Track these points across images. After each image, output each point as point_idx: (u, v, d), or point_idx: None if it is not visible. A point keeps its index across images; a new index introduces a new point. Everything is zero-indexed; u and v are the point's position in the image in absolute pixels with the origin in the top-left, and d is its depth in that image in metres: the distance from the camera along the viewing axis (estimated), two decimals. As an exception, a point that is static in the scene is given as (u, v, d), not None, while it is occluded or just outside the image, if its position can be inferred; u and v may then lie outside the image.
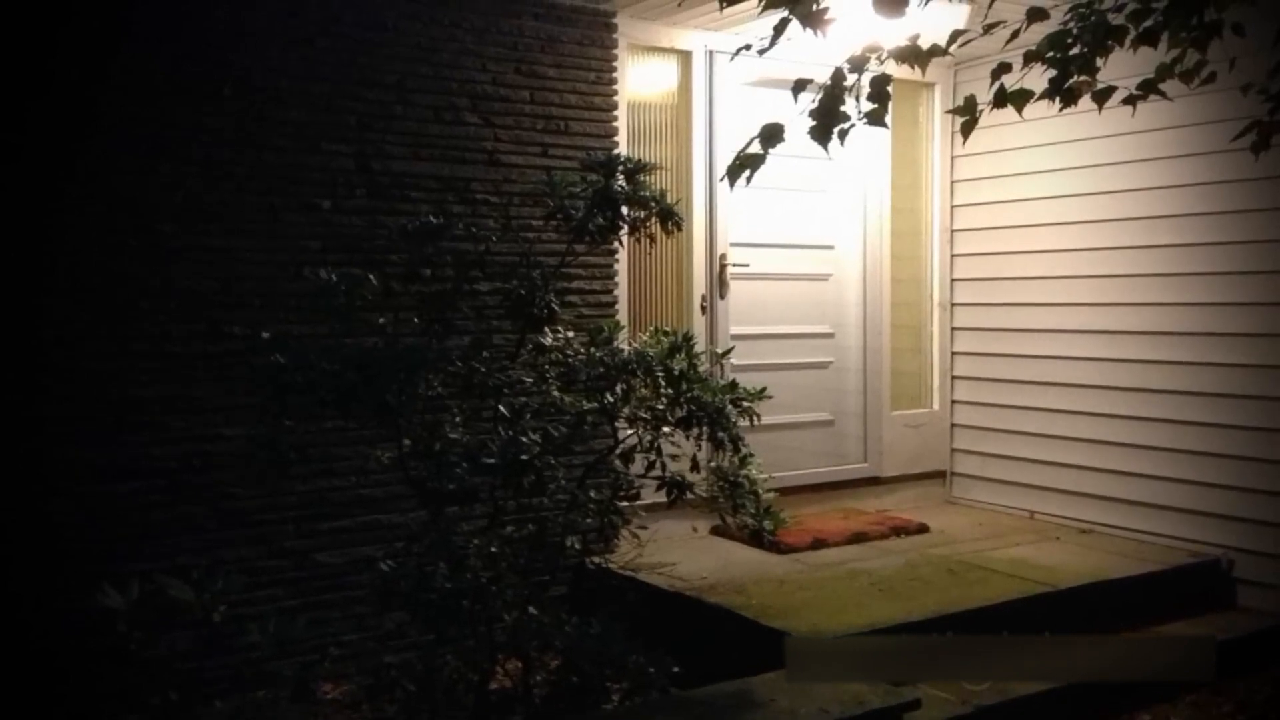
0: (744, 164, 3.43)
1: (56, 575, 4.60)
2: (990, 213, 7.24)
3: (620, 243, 4.68)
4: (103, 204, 4.77)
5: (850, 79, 3.42)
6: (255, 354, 4.08)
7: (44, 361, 4.67)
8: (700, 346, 4.57)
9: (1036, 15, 3.63)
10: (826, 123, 3.38)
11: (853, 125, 3.41)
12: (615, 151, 5.47)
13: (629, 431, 4.37)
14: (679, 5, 5.78)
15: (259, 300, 5.08)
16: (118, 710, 3.73)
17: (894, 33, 3.50)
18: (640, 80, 6.47)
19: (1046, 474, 6.85)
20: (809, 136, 3.39)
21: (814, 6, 3.25)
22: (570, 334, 4.39)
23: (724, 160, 5.74)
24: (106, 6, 4.76)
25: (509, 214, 5.67)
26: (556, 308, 4.21)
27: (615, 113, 6.12)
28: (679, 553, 5.95)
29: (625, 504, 4.35)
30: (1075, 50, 3.57)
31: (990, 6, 3.83)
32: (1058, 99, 3.63)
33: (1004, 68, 3.67)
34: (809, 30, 3.25)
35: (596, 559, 5.06)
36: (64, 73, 4.68)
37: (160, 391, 4.88)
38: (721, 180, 3.66)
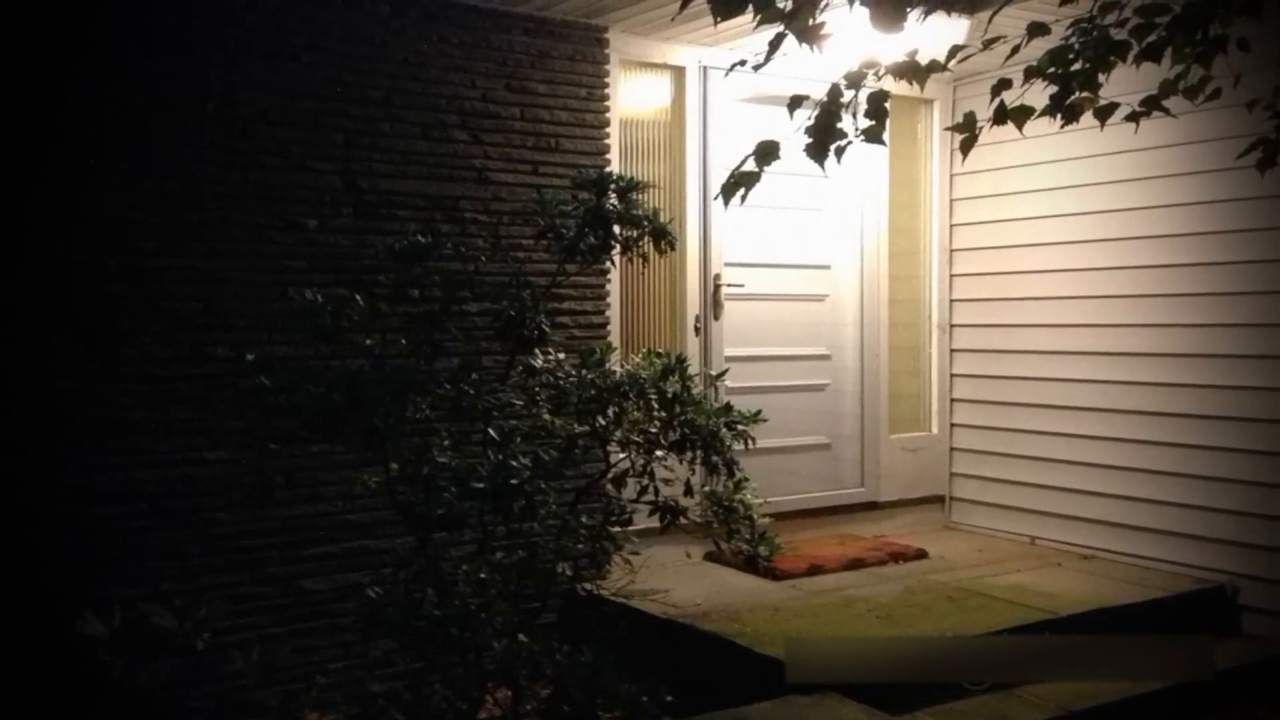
0: (739, 182, 3.37)
1: (38, 600, 4.53)
2: (990, 232, 7.18)
3: (612, 262, 4.65)
4: (83, 223, 4.70)
5: (847, 95, 3.36)
6: (239, 376, 4.00)
7: (24, 383, 4.61)
8: (694, 368, 4.53)
9: (1037, 30, 3.58)
10: (823, 140, 3.32)
11: (850, 142, 3.36)
12: (607, 169, 5.46)
13: (621, 455, 4.34)
14: (672, 20, 5.73)
15: (243, 321, 5.01)
16: (99, 741, 3.67)
17: (892, 48, 3.44)
18: (633, 96, 6.41)
19: (1048, 499, 6.77)
20: (805, 154, 3.33)
21: (810, 21, 3.18)
22: (561, 356, 4.35)
23: (718, 178, 5.69)
24: (87, 22, 4.70)
25: (499, 233, 5.62)
26: (547, 329, 4.17)
27: (607, 129, 6.06)
28: (672, 579, 5.87)
29: (617, 529, 4.33)
30: (1077, 66, 3.52)
31: (990, 21, 3.78)
32: (1059, 116, 3.58)
33: (1004, 84, 3.62)
34: (805, 46, 3.18)
35: (588, 585, 5.02)
36: (43, 89, 4.61)
37: (142, 414, 4.81)
38: (716, 199, 3.60)
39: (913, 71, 3.51)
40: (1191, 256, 6.01)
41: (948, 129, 5.47)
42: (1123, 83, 3.67)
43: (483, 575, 3.83)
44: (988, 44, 3.65)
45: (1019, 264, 6.96)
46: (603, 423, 4.22)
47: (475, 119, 5.62)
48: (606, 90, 6.07)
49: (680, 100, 6.51)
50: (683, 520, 4.24)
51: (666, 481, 4.26)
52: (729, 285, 6.59)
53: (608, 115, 6.07)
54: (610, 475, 4.33)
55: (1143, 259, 6.24)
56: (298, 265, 5.14)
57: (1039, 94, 3.53)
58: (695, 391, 4.34)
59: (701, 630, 5.12)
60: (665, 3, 5.50)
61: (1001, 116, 3.60)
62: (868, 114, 3.39)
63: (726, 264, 6.59)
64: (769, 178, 3.43)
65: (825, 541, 6.65)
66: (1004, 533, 7.03)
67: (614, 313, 6.15)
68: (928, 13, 3.40)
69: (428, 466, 3.84)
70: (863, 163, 6.83)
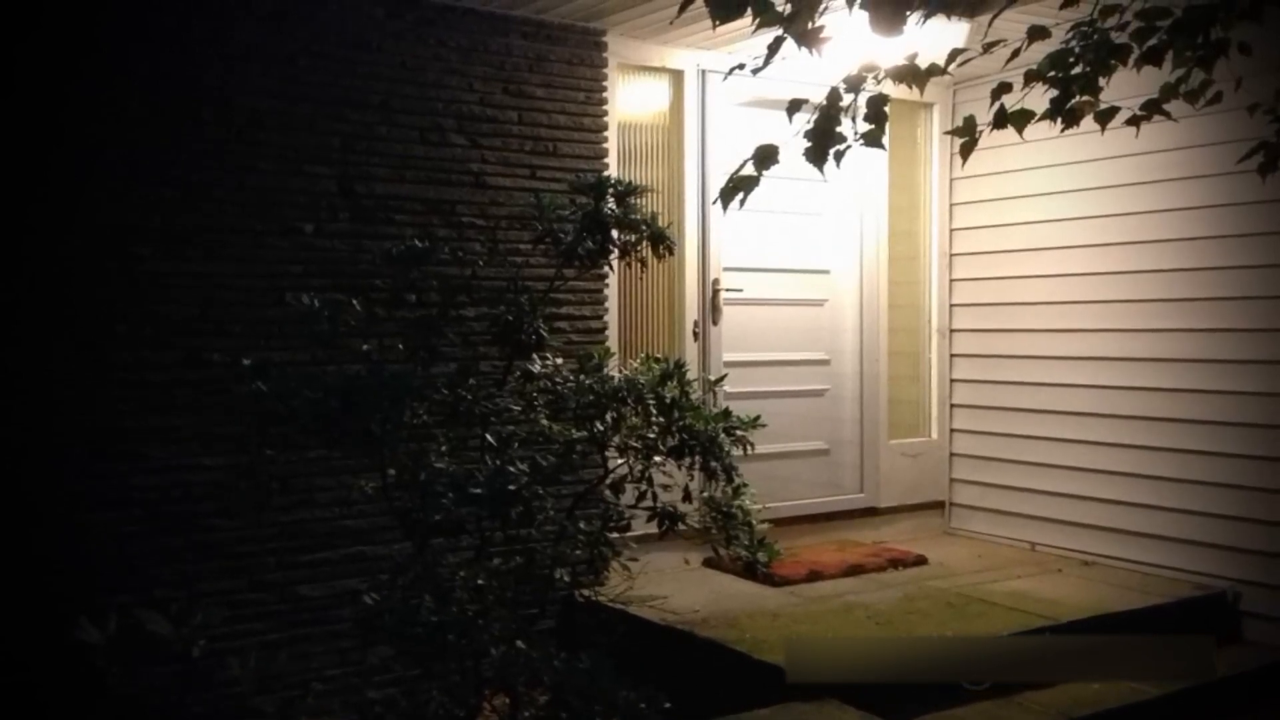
0: (737, 186, 3.34)
1: (37, 601, 4.52)
2: (991, 236, 7.16)
3: (610, 267, 4.63)
4: (79, 228, 4.68)
5: (846, 99, 3.33)
6: (235, 382, 3.99)
7: (24, 383, 4.60)
8: (692, 373, 4.52)
9: (1037, 34, 3.55)
10: (822, 144, 3.29)
11: (849, 147, 3.32)
12: (605, 173, 5.43)
13: (619, 461, 4.32)
14: (670, 23, 5.70)
15: (239, 326, 5.00)
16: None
17: (891, 52, 3.42)
18: (631, 100, 6.39)
19: (1048, 504, 6.75)
20: (804, 158, 3.30)
21: (809, 25, 3.15)
22: (559, 361, 4.35)
23: (717, 182, 5.67)
24: (87, 22, 4.68)
25: (496, 238, 5.60)
26: (545, 334, 4.16)
27: (605, 134, 6.05)
28: (670, 585, 5.85)
29: (615, 535, 4.30)
30: (1077, 70, 3.48)
31: (990, 25, 3.74)
32: (1059, 120, 3.54)
33: (1004, 87, 3.59)
34: (804, 49, 3.15)
35: (586, 592, 5.00)
36: (43, 90, 4.60)
37: (139, 420, 4.80)
38: (714, 203, 3.57)
39: (912, 75, 3.47)
40: (1192, 261, 5.99)
41: (947, 133, 5.47)
42: (1123, 86, 3.64)
43: (480, 581, 3.80)
44: (987, 47, 3.62)
45: (1019, 268, 6.94)
46: (601, 428, 4.21)
47: (473, 123, 5.60)
48: (605, 94, 6.05)
49: (679, 104, 6.49)
50: (681, 526, 4.22)
51: (665, 487, 4.24)
52: (727, 290, 6.57)
53: (606, 119, 6.05)
54: (608, 481, 4.32)
55: (1143, 263, 6.22)
56: (294, 270, 5.12)
57: (1039, 98, 3.50)
58: (694, 397, 4.32)
59: (700, 637, 5.10)
60: (664, 6, 5.48)
61: (1001, 120, 3.57)
62: (867, 118, 3.35)
63: (725, 269, 6.57)
64: (768, 182, 3.39)
65: (824, 547, 6.63)
66: (1004, 539, 7.00)
67: (612, 318, 6.13)
68: (927, 16, 3.37)
69: (425, 472, 3.83)
70: (862, 167, 6.81)
